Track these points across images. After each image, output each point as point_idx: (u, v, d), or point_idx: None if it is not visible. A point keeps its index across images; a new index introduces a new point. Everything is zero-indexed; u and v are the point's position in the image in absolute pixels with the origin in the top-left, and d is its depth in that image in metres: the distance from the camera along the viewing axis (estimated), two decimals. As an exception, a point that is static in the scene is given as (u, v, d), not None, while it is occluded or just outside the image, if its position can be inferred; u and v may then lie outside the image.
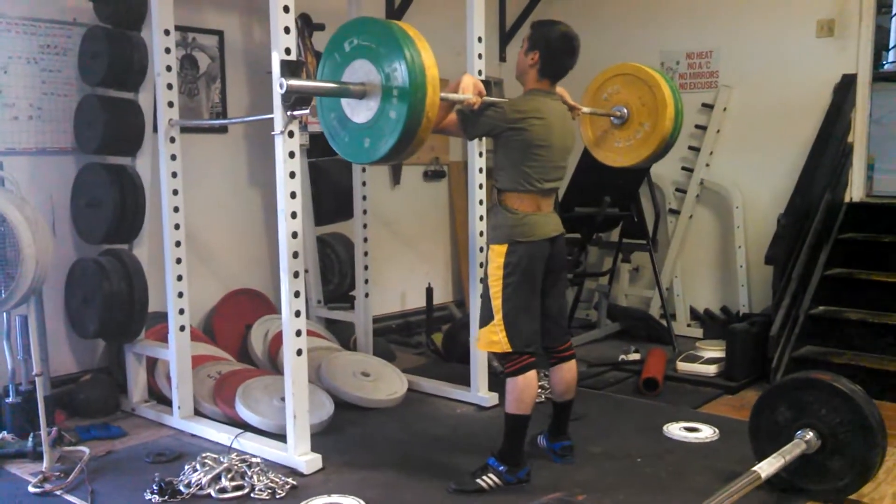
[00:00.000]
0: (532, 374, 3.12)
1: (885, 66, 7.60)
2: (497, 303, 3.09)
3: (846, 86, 5.24)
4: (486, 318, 3.14)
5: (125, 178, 3.89)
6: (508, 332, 3.08)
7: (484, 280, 3.21)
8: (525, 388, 3.09)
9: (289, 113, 3.13)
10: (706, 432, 3.72)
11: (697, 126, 5.86)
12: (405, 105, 2.55)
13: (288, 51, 3.11)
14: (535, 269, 3.13)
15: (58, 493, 3.11)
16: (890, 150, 6.85)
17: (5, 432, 3.52)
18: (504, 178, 3.14)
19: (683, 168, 5.93)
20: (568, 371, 3.36)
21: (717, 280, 5.92)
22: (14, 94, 3.88)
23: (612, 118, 3.69)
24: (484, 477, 3.09)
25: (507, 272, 3.08)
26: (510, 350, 3.09)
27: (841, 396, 2.94)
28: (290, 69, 3.11)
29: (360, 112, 2.70)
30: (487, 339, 3.14)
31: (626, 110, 3.66)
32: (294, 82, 2.74)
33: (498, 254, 3.10)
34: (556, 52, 3.12)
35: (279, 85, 2.71)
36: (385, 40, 2.61)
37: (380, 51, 2.62)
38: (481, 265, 4.00)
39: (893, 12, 7.62)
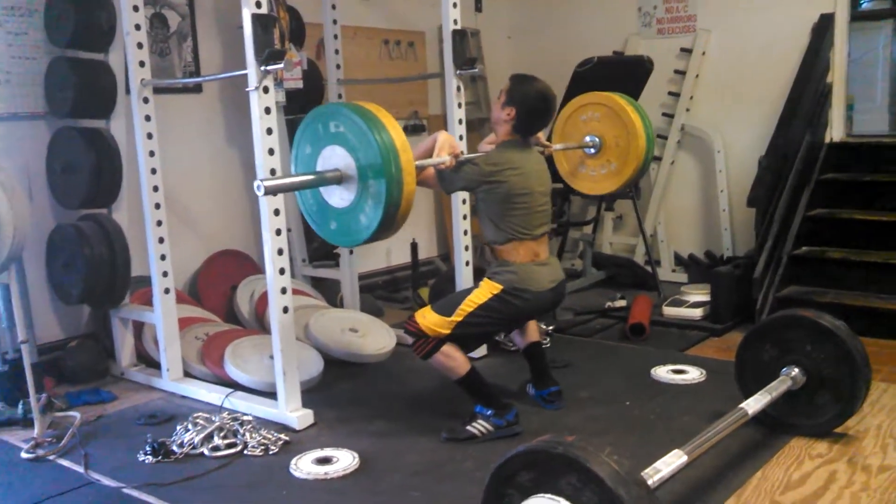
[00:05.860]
0: (443, 347, 3.09)
1: (864, 5, 7.56)
2: (463, 314, 3.07)
3: (824, 26, 5.21)
4: (447, 308, 3.11)
5: (100, 141, 3.82)
6: (453, 338, 3.09)
7: (473, 285, 3.22)
8: (447, 359, 3.10)
9: (263, 68, 3.07)
10: (693, 374, 3.76)
11: (676, 71, 5.83)
12: (381, 200, 2.60)
13: (259, 4, 3.05)
14: (522, 317, 3.24)
15: (51, 458, 3.11)
16: (869, 90, 6.86)
17: (-6, 401, 3.51)
18: (493, 231, 3.17)
19: (664, 114, 5.91)
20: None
21: (700, 225, 5.94)
22: (-19, 58, 3.79)
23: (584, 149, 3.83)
24: (474, 423, 3.12)
25: (488, 313, 3.09)
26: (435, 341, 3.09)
27: (825, 332, 2.97)
28: (261, 24, 3.06)
29: (338, 197, 2.75)
30: (431, 322, 3.08)
31: (598, 140, 3.78)
32: (270, 182, 2.68)
33: (490, 289, 3.10)
34: (531, 112, 3.18)
35: (256, 187, 2.64)
36: (355, 127, 2.64)
37: (352, 139, 2.66)
38: (465, 218, 3.99)
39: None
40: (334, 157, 2.71)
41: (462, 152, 3.12)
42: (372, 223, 2.66)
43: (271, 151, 3.15)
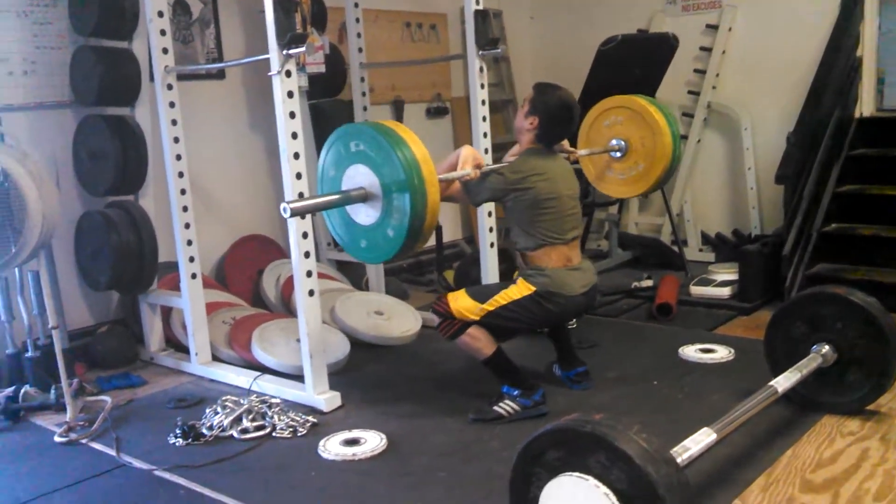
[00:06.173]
0: (469, 329, 3.09)
1: (894, -23, 7.39)
2: (496, 304, 3.08)
3: (854, -2, 5.11)
4: (481, 296, 3.12)
5: (125, 128, 3.85)
6: (483, 325, 3.09)
7: (509, 280, 3.22)
8: (472, 340, 3.10)
9: (285, 52, 3.07)
10: (722, 353, 3.73)
11: (702, 48, 5.75)
12: (405, 214, 2.62)
13: (281, -13, 3.04)
14: (553, 320, 3.23)
15: (83, 441, 3.16)
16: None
17: (28, 386, 3.55)
18: (523, 238, 3.17)
19: (690, 92, 5.84)
20: None
21: (727, 203, 5.88)
22: (6, 48, 3.81)
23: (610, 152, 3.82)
24: (501, 404, 3.12)
25: (519, 309, 3.08)
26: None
27: (856, 309, 2.92)
28: (283, 8, 3.05)
29: (364, 214, 2.77)
30: (461, 306, 3.09)
31: (624, 143, 3.76)
32: (297, 204, 2.71)
33: (525, 289, 3.09)
34: (554, 121, 3.17)
35: (282, 210, 2.65)
36: (375, 145, 2.67)
37: (373, 156, 2.68)
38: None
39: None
40: (358, 176, 2.75)
41: (486, 164, 3.13)
42: (399, 237, 2.69)
43: (295, 135, 3.15)
